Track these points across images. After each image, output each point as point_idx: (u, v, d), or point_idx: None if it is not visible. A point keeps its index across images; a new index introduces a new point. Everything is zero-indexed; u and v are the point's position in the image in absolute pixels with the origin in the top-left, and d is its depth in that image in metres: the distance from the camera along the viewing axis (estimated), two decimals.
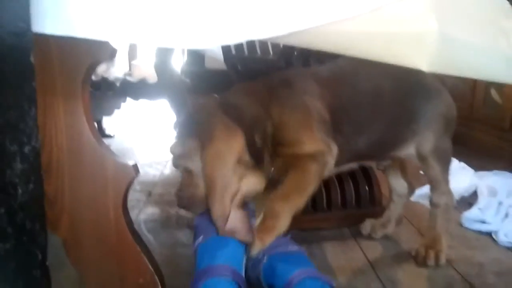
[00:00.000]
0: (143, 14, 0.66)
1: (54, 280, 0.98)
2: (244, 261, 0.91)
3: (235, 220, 0.89)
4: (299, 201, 0.92)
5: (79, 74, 0.84)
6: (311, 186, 0.93)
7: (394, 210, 1.32)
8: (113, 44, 0.85)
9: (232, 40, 0.67)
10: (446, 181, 1.17)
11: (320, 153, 0.95)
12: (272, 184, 0.96)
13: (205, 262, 0.86)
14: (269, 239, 0.89)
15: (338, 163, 1.02)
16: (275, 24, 0.61)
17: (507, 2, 0.46)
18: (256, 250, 0.88)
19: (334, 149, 0.98)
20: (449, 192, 1.18)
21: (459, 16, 0.54)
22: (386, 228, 1.31)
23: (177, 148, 0.92)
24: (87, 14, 0.67)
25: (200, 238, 0.91)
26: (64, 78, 0.83)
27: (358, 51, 0.70)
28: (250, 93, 0.98)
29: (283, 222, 0.90)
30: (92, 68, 0.86)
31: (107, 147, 0.89)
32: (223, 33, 0.66)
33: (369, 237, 1.30)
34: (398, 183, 1.31)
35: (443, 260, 1.15)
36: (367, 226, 1.32)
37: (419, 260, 1.16)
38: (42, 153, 0.84)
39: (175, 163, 0.96)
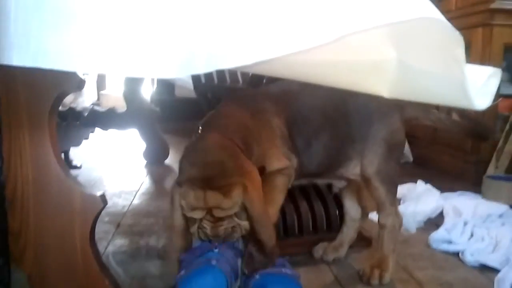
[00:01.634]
0: (110, 44, 0.66)
1: None
2: None
3: None
4: (273, 213, 1.00)
5: (45, 105, 0.83)
6: (280, 199, 1.02)
7: (347, 233, 1.33)
8: (81, 74, 0.85)
9: (201, 69, 0.68)
10: (392, 203, 1.18)
11: (286, 168, 1.03)
12: None
13: None
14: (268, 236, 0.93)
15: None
16: (243, 54, 0.62)
17: (458, 32, 0.50)
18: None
19: (295, 162, 1.05)
20: (395, 214, 1.20)
21: (415, 45, 0.57)
22: (338, 251, 1.32)
23: (223, 201, 0.89)
24: (53, 45, 0.66)
25: (182, 272, 0.91)
26: (30, 109, 0.83)
27: (323, 80, 0.72)
28: (237, 123, 1.01)
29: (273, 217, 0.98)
30: (59, 99, 0.86)
31: (74, 178, 0.88)
32: (192, 63, 0.67)
33: (340, 261, 1.31)
34: (352, 207, 1.32)
35: (387, 279, 1.17)
36: (319, 249, 1.32)
37: (364, 279, 1.18)
38: (7, 185, 0.82)
39: (212, 214, 0.91)
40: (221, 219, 0.90)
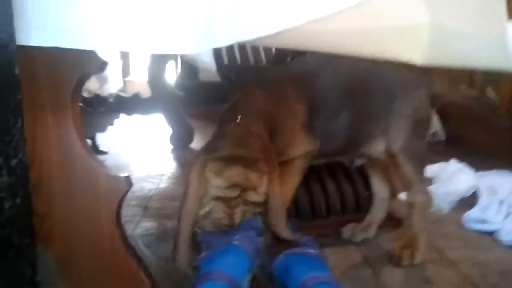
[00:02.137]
0: (129, 21, 0.65)
1: None
2: (248, 277, 0.90)
3: None
4: (288, 196, 1.03)
5: (67, 87, 0.83)
6: (298, 178, 1.05)
7: (376, 214, 1.30)
8: (103, 56, 0.84)
9: (221, 43, 0.66)
10: (420, 180, 1.15)
11: (307, 153, 1.04)
12: None
13: (205, 268, 0.86)
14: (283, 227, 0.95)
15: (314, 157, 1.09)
16: (263, 25, 0.60)
17: None
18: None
19: (317, 146, 1.05)
20: (424, 191, 1.17)
21: (451, 5, 0.53)
22: (366, 232, 1.29)
23: (259, 183, 0.91)
24: (71, 24, 0.65)
25: (204, 253, 0.91)
26: (52, 91, 0.82)
27: (348, 49, 0.69)
28: (264, 112, 1.01)
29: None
30: (81, 81, 0.85)
31: (99, 160, 0.87)
32: (211, 37, 0.65)
33: (369, 242, 1.28)
34: (381, 187, 1.29)
35: (418, 259, 1.14)
36: (347, 230, 1.30)
37: (394, 260, 1.14)
38: (32, 167, 0.82)
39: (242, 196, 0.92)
40: (237, 204, 0.91)
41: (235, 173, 0.88)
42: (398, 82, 1.12)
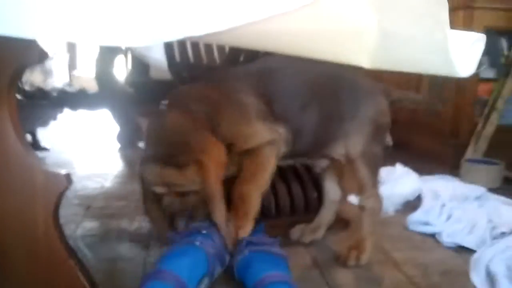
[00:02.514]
0: (73, 10, 0.61)
1: None
2: (205, 281, 0.89)
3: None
4: (263, 180, 0.99)
5: (3, 79, 0.78)
6: (269, 165, 1.00)
7: (325, 215, 1.30)
8: (44, 46, 0.79)
9: (168, 37, 0.64)
10: (374, 185, 1.16)
11: (267, 142, 1.00)
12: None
13: (157, 266, 0.85)
14: (249, 225, 0.96)
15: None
16: (211, 21, 0.58)
17: None
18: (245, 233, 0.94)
19: (281, 131, 1.02)
20: (376, 196, 1.18)
21: (397, 10, 0.53)
22: (315, 233, 1.29)
23: (178, 177, 0.92)
24: (10, 10, 0.61)
25: (165, 250, 0.91)
26: None
27: (298, 50, 0.68)
28: (203, 99, 0.99)
29: (254, 203, 0.97)
30: (19, 71, 0.81)
31: (36, 156, 0.83)
32: (159, 31, 0.63)
33: (317, 243, 1.29)
34: (332, 189, 1.29)
35: (364, 260, 1.16)
36: (296, 231, 1.29)
37: (341, 261, 1.16)
38: None
39: (171, 190, 0.95)
40: (184, 194, 0.93)
41: (150, 173, 0.93)
42: (363, 85, 1.13)
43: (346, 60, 0.63)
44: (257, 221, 0.99)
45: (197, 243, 0.89)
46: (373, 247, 1.20)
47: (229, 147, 0.97)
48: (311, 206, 1.37)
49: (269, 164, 1.00)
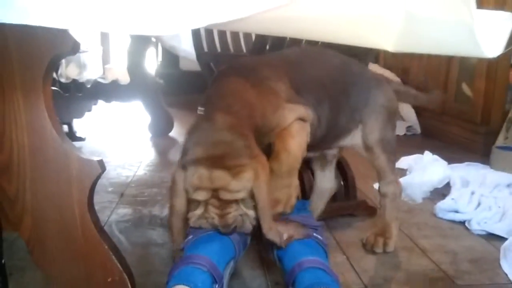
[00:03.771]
0: (104, 0, 0.64)
1: (19, 282, 0.95)
2: (231, 266, 0.90)
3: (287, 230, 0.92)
4: (302, 139, 0.95)
5: (39, 69, 0.81)
6: (304, 130, 0.96)
7: (317, 204, 1.27)
8: (76, 37, 0.82)
9: (194, 25, 0.66)
10: (392, 171, 1.17)
11: (302, 116, 0.96)
12: None
13: (189, 252, 0.86)
14: (293, 197, 0.93)
15: None
16: (235, 8, 0.60)
17: None
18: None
19: (311, 113, 0.99)
20: (396, 181, 1.18)
21: None
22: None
23: (231, 182, 0.83)
24: (44, 1, 0.64)
25: (189, 238, 0.90)
26: (23, 72, 0.80)
27: (323, 35, 0.69)
28: (239, 97, 0.94)
29: (296, 159, 0.94)
30: (53, 62, 0.84)
31: (71, 143, 0.86)
32: (185, 19, 0.64)
33: (343, 230, 1.29)
34: (326, 177, 1.27)
35: (391, 247, 1.17)
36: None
37: (368, 248, 1.17)
38: (2, 149, 0.81)
39: (216, 197, 0.85)
40: (227, 205, 0.85)
41: (197, 176, 0.83)
42: (369, 76, 1.16)
43: (370, 43, 0.63)
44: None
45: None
46: (399, 234, 1.21)
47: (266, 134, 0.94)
48: (338, 194, 1.36)
49: (304, 129, 0.96)
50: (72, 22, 0.65)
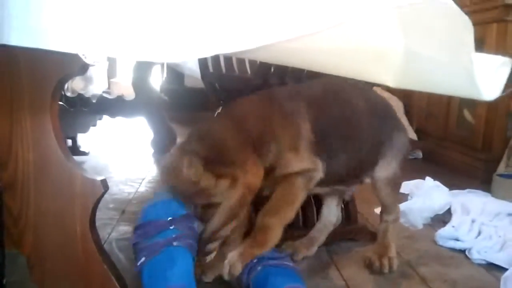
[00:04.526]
0: (113, 26, 0.66)
1: None
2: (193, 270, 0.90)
3: None
4: (288, 214, 0.97)
5: (47, 89, 0.82)
6: (298, 198, 0.99)
7: (319, 233, 1.28)
8: (85, 59, 0.84)
9: (202, 54, 0.67)
10: (395, 203, 1.23)
11: (306, 170, 0.99)
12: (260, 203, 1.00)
13: (157, 285, 0.85)
14: (258, 252, 0.93)
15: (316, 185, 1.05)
16: (243, 39, 0.61)
17: (466, 17, 0.48)
18: (237, 268, 0.90)
19: (319, 165, 1.01)
20: (397, 209, 1.24)
21: (423, 31, 0.55)
22: (308, 250, 1.26)
23: (212, 186, 0.90)
24: (54, 26, 0.66)
25: (143, 258, 0.90)
26: (32, 92, 0.82)
27: (326, 67, 0.70)
28: (258, 115, 0.99)
29: (275, 235, 0.94)
30: (61, 82, 0.85)
31: (76, 162, 0.87)
32: (194, 48, 0.66)
33: (344, 255, 1.29)
34: (332, 210, 1.28)
35: (395, 265, 1.20)
36: (288, 247, 1.23)
37: (375, 269, 1.19)
38: (7, 167, 0.82)
39: (197, 195, 0.92)
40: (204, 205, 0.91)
41: (192, 167, 0.89)
42: (394, 115, 1.19)
43: (373, 78, 0.64)
44: None
45: (175, 243, 0.89)
46: (398, 259, 1.23)
47: (268, 171, 0.96)
48: (309, 222, 1.35)
49: (298, 198, 0.99)
50: (83, 47, 0.67)
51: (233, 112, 0.99)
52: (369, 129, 1.11)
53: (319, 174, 1.01)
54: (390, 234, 1.23)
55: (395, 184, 1.19)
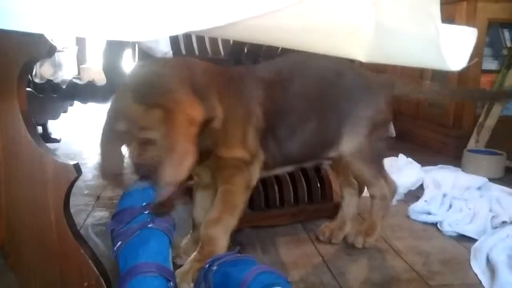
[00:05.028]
0: (81, 5, 0.64)
1: None
2: (170, 254, 0.90)
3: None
4: (232, 221, 0.97)
5: (13, 72, 0.80)
6: (239, 202, 0.97)
7: (347, 210, 1.29)
8: (52, 40, 0.82)
9: (172, 31, 0.66)
10: (376, 177, 1.18)
11: (245, 162, 0.97)
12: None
13: (129, 263, 0.84)
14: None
15: (272, 167, 1.07)
16: (212, 16, 0.61)
17: None
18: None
19: (261, 157, 1.00)
20: (383, 186, 1.20)
21: (392, 5, 0.55)
22: (343, 230, 1.27)
23: (141, 116, 0.82)
24: (20, 6, 0.63)
25: (119, 243, 0.89)
26: None
27: (296, 44, 0.70)
28: (208, 80, 0.93)
29: (221, 245, 0.95)
30: (28, 65, 0.83)
31: (46, 147, 0.85)
32: (163, 25, 0.65)
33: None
34: (348, 183, 1.29)
35: (369, 243, 1.22)
36: (325, 232, 1.27)
37: (349, 240, 1.23)
38: None
39: (133, 134, 0.85)
40: (147, 146, 0.84)
41: (119, 105, 0.85)
42: (364, 85, 1.13)
43: (343, 53, 0.65)
44: None
45: (150, 225, 0.88)
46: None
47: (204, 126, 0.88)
48: (314, 196, 1.40)
49: (239, 204, 0.97)
50: (49, 27, 0.65)
51: (182, 68, 0.91)
52: (329, 103, 1.09)
53: (259, 167, 1.00)
54: (375, 211, 1.22)
55: (369, 158, 1.14)
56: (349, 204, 1.30)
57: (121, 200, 0.98)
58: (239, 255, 0.91)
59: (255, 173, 1.00)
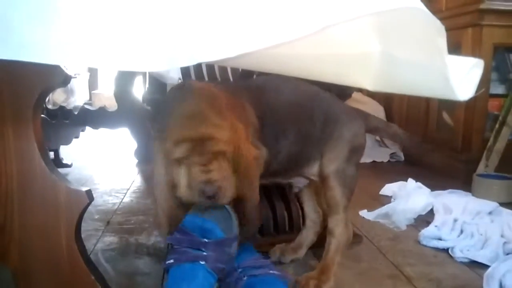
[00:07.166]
0: (94, 37, 0.66)
1: None
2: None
3: None
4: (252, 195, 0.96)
5: (30, 101, 0.82)
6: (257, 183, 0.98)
7: (306, 235, 1.28)
8: (67, 70, 0.84)
9: (183, 63, 0.68)
10: (345, 209, 1.12)
11: (255, 156, 0.98)
12: None
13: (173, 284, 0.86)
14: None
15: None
16: (226, 47, 0.62)
17: (439, 22, 0.50)
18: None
19: (264, 153, 1.02)
20: (346, 223, 1.14)
21: (399, 36, 0.57)
22: (296, 253, 1.26)
23: (215, 128, 0.84)
24: (36, 38, 0.66)
25: (172, 260, 0.90)
26: (14, 104, 0.82)
27: (307, 73, 0.72)
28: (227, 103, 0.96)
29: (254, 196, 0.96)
30: (44, 94, 0.85)
31: (59, 174, 0.87)
32: (175, 56, 0.67)
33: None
34: (312, 209, 1.29)
35: None
36: (276, 251, 1.26)
37: None
38: None
39: (199, 150, 0.86)
40: (210, 162, 0.85)
41: (180, 129, 0.86)
42: (341, 109, 1.16)
43: (351, 82, 0.66)
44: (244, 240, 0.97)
45: (202, 262, 0.88)
46: (384, 260, 1.23)
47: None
48: (295, 225, 1.36)
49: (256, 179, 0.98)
50: (64, 58, 0.67)
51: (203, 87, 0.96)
52: (309, 118, 1.11)
53: (263, 162, 1.01)
54: (332, 251, 1.12)
55: (345, 183, 1.11)
56: (310, 229, 1.29)
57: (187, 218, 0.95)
58: (270, 271, 0.93)
59: (261, 167, 1.01)
